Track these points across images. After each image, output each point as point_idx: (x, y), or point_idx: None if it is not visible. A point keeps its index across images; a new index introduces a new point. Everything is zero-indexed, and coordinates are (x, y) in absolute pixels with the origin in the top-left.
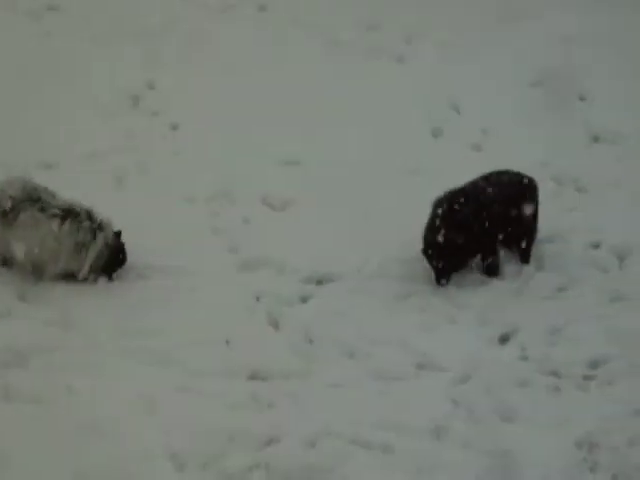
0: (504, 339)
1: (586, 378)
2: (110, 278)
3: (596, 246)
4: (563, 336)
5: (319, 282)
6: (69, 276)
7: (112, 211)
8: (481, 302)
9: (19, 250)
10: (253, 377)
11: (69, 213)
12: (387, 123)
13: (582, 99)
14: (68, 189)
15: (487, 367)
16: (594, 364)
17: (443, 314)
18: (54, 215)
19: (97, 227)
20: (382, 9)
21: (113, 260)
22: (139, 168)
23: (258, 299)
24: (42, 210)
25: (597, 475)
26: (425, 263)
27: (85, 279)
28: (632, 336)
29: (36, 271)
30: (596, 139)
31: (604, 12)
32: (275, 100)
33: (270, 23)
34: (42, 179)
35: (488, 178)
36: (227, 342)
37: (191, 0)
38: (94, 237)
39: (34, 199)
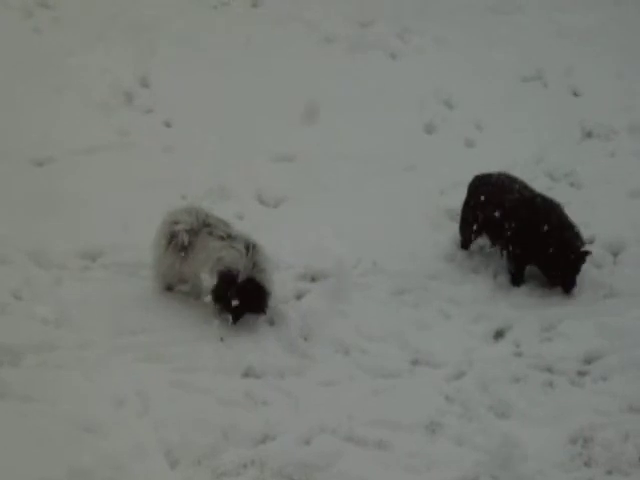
0: (498, 335)
1: (580, 374)
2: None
3: (590, 242)
4: (557, 332)
5: (313, 279)
6: None
7: (105, 209)
8: (475, 298)
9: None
10: (247, 374)
11: (229, 237)
12: (380, 119)
13: (576, 95)
14: (61, 185)
15: (481, 363)
16: (588, 360)
17: (437, 310)
18: (218, 237)
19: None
20: (375, 5)
21: (226, 298)
22: (133, 165)
23: None
24: (210, 234)
25: (592, 470)
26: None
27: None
28: (626, 332)
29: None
30: (589, 134)
31: (598, 8)
32: (269, 96)
33: (263, 19)
34: (36, 175)
35: None
36: (221, 339)
37: None
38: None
39: (207, 225)
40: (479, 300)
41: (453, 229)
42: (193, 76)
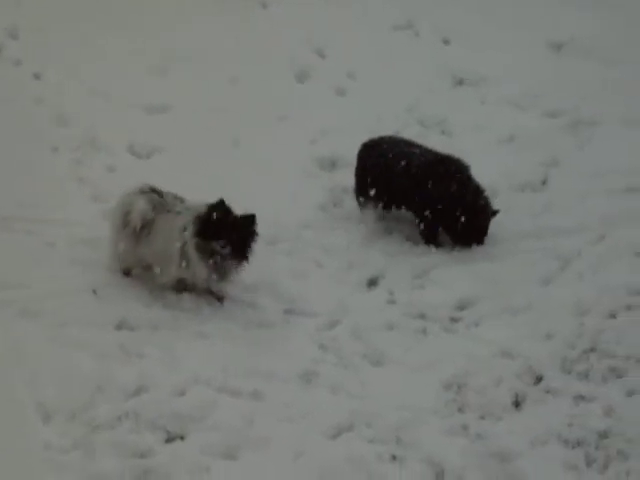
0: (371, 283)
1: (453, 320)
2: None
3: None
4: (429, 279)
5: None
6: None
7: None
8: (348, 246)
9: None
10: (121, 327)
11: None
12: (253, 68)
13: (446, 43)
14: None
15: (355, 312)
16: (461, 306)
17: (311, 259)
18: (176, 212)
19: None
20: None
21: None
22: (2, 118)
23: None
24: (169, 211)
25: (465, 415)
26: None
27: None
28: (498, 278)
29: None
30: (460, 82)
31: None
32: (139, 47)
33: None
34: None
35: None
36: (94, 292)
37: None
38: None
39: (163, 204)
40: (352, 248)
41: (325, 178)
42: (62, 27)
